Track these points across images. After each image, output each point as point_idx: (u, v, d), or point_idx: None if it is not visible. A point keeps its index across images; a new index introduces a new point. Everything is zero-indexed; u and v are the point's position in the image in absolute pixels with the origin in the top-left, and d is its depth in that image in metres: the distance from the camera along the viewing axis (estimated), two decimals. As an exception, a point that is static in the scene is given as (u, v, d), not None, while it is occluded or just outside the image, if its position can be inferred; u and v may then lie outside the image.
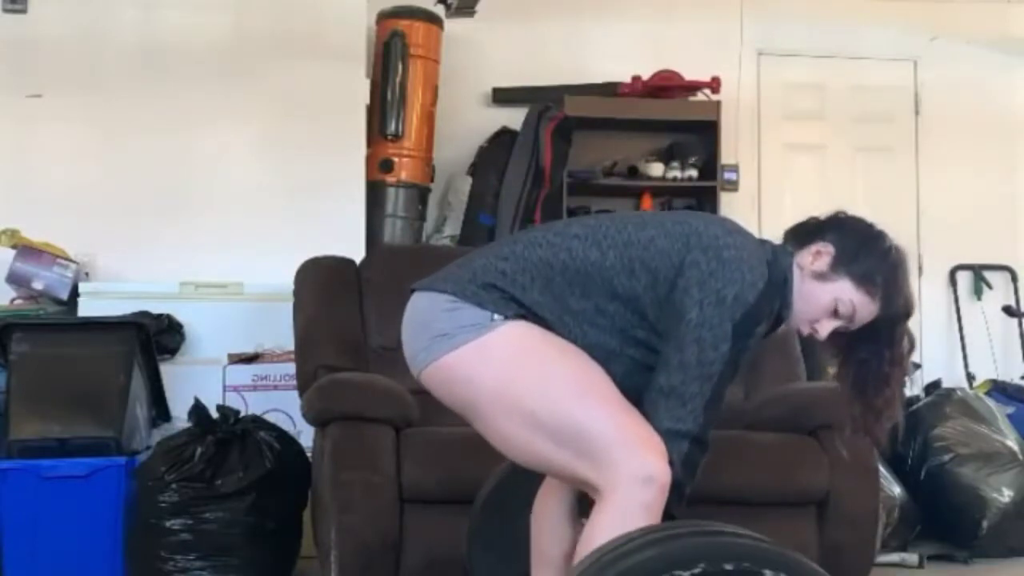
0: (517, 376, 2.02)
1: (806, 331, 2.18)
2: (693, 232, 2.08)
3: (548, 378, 2.02)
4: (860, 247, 2.17)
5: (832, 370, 4.14)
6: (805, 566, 1.47)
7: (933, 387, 4.43)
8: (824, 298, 2.15)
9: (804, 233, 2.21)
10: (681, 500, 2.01)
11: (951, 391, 4.36)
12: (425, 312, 2.10)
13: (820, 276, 2.15)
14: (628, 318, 2.07)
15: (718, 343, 2.01)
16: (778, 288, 2.12)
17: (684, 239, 2.07)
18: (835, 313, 2.15)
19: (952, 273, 5.74)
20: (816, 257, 2.16)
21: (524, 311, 2.04)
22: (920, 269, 5.69)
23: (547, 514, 2.29)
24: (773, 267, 2.11)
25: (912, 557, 3.86)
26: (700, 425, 2.02)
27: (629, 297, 2.06)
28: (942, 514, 3.98)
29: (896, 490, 3.91)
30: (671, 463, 1.97)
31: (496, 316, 2.03)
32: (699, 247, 2.05)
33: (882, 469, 3.72)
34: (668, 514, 1.97)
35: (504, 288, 2.05)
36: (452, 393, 2.09)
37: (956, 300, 5.70)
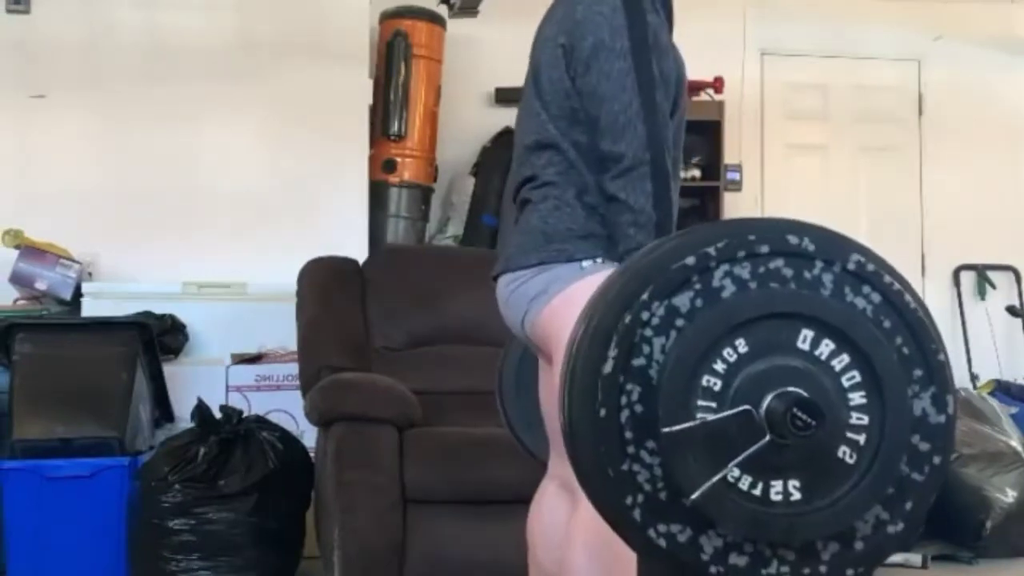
0: None
1: None
2: (551, 38, 2.07)
3: None
4: None
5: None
6: (826, 229, 1.48)
7: (936, 387, 4.42)
8: None
9: None
10: (669, 235, 1.98)
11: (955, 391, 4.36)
12: (516, 287, 2.09)
13: None
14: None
15: (622, 84, 1.97)
16: None
17: (555, 49, 2.06)
18: None
19: (956, 273, 5.73)
20: None
21: (603, 231, 2.01)
22: (924, 269, 5.69)
23: (542, 528, 2.26)
24: None
25: (916, 557, 3.86)
26: (649, 162, 1.96)
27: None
28: (946, 514, 3.97)
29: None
30: (639, 207, 1.95)
31: (586, 263, 2.02)
32: (564, 37, 2.04)
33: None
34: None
35: (577, 225, 2.03)
36: (547, 341, 2.05)
37: (960, 300, 5.69)
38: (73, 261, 4.17)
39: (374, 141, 4.78)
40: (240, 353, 4.11)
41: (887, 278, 1.48)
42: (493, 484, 2.94)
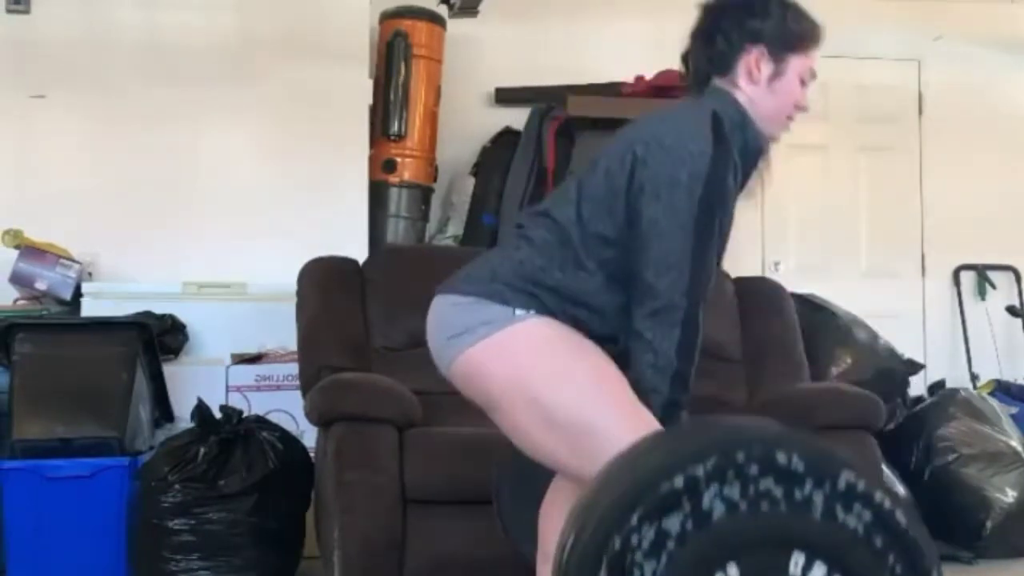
0: (533, 369, 2.02)
1: (793, 120, 2.21)
2: (631, 140, 2.08)
3: (562, 372, 2.02)
4: (770, 20, 2.16)
5: (836, 370, 4.17)
6: (816, 444, 1.49)
7: (937, 387, 4.42)
8: (789, 88, 2.17)
9: (714, 61, 2.18)
10: (686, 386, 2.01)
11: (955, 391, 4.36)
12: (447, 312, 2.12)
13: (773, 77, 2.15)
14: (624, 260, 2.07)
15: (683, 226, 2.00)
16: (739, 131, 2.11)
17: (627, 152, 2.07)
18: (803, 84, 2.18)
19: (956, 273, 5.73)
20: (755, 67, 2.15)
21: (547, 297, 2.05)
22: (924, 269, 5.69)
23: (554, 515, 2.28)
24: (722, 118, 2.08)
25: (916, 558, 3.85)
26: (684, 309, 1.99)
27: (617, 238, 2.06)
28: (946, 515, 3.97)
29: (900, 490, 3.90)
30: (662, 352, 1.97)
31: (519, 311, 2.04)
32: (641, 148, 2.05)
33: (886, 469, 3.72)
34: (676, 406, 1.98)
35: (525, 278, 2.06)
36: (474, 387, 2.10)
37: (960, 300, 5.69)
38: (73, 261, 4.17)
39: (374, 141, 4.78)
40: (240, 353, 4.11)
41: (878, 496, 1.47)
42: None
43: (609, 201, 2.07)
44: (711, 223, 2.03)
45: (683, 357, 2.00)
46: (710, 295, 2.09)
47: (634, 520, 1.39)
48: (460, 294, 2.10)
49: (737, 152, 2.12)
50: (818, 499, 1.43)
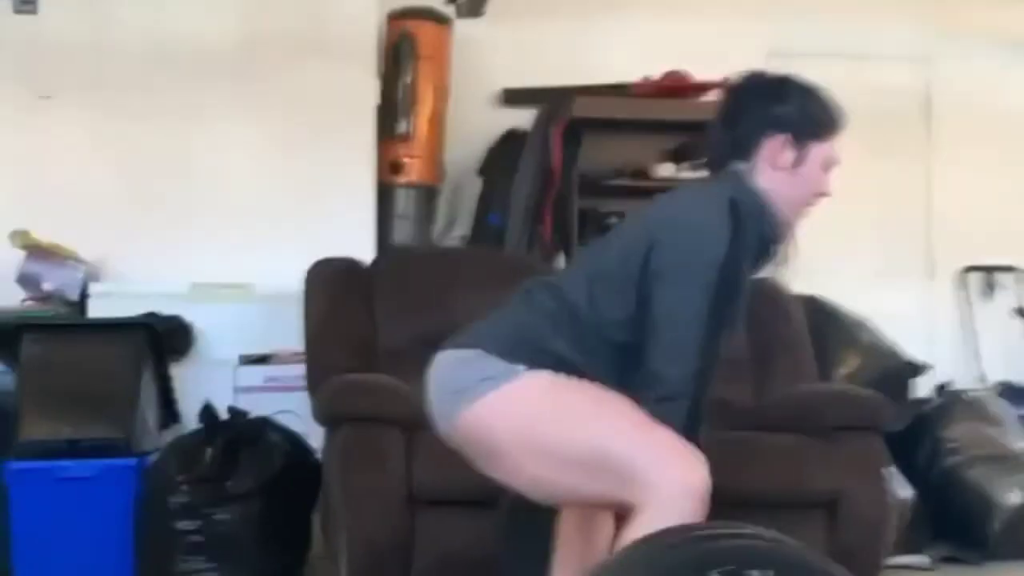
0: (538, 418, 2.02)
1: (814, 205, 2.22)
2: (647, 223, 2.09)
3: (567, 413, 2.02)
4: (794, 107, 2.17)
5: (842, 371, 4.16)
6: (796, 557, 1.47)
7: (944, 389, 4.42)
8: (812, 175, 2.18)
9: (736, 144, 2.17)
10: None
11: (961, 393, 4.35)
12: (448, 369, 2.12)
13: (796, 163, 2.15)
14: (633, 341, 2.07)
15: (696, 315, 2.00)
16: (756, 219, 2.11)
17: (643, 234, 2.07)
18: (824, 170, 2.19)
19: (963, 274, 5.72)
20: (777, 154, 2.15)
21: (550, 361, 2.05)
22: (931, 270, 5.68)
23: (573, 521, 2.28)
24: (739, 205, 2.08)
25: (923, 559, 3.86)
26: (690, 395, 2.00)
27: (626, 320, 2.07)
28: (953, 516, 3.97)
29: (907, 492, 3.90)
30: None
31: (520, 367, 2.04)
32: (657, 231, 2.05)
33: (893, 471, 3.71)
34: None
35: (528, 340, 2.06)
36: (478, 443, 2.09)
37: (967, 302, 5.68)
38: (80, 262, 4.17)
39: (381, 142, 4.78)
40: (247, 354, 4.11)
41: None
42: (500, 485, 2.94)
43: (620, 284, 2.07)
44: (723, 312, 2.03)
45: (687, 440, 2.00)
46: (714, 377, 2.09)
47: None
48: (463, 348, 2.11)
49: (755, 236, 2.12)
50: None
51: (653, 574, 1.47)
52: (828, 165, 2.20)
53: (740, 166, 2.16)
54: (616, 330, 2.07)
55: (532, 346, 2.06)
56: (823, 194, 2.21)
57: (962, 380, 5.04)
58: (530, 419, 2.02)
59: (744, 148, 2.16)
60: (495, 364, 2.04)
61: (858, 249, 5.61)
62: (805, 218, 2.25)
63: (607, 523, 2.20)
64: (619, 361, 2.08)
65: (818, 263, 5.50)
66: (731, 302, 2.05)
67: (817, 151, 2.17)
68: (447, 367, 2.12)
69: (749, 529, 1.58)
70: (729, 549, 1.51)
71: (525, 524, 2.41)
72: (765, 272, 2.24)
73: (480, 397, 2.03)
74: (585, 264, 2.14)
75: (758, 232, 2.12)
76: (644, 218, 2.12)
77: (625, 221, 2.17)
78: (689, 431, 2.00)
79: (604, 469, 1.96)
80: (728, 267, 2.01)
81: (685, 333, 2.00)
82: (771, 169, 2.15)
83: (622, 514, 1.98)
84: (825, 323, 4.21)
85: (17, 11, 4.43)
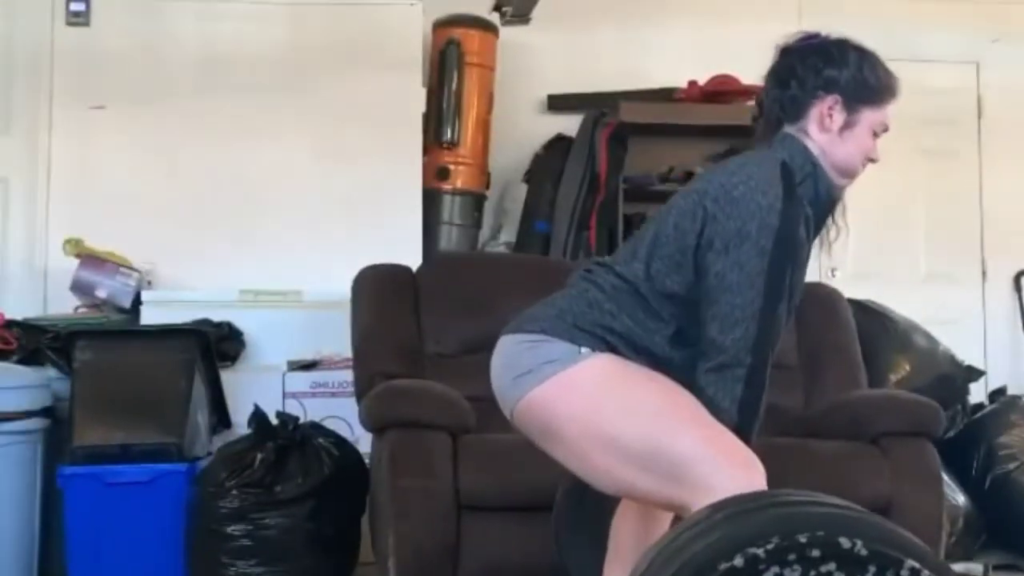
0: (601, 405, 2.01)
1: (863, 169, 2.19)
2: (701, 193, 2.06)
3: (631, 404, 2.00)
4: (848, 70, 2.15)
5: (894, 377, 4.11)
6: (881, 528, 1.46)
7: (998, 394, 4.35)
8: (861, 139, 2.15)
9: (786, 106, 2.15)
10: (746, 443, 1.98)
11: (1016, 398, 4.29)
12: (511, 353, 2.11)
13: (845, 128, 2.13)
14: (694, 315, 2.05)
15: (752, 281, 1.97)
16: (811, 181, 2.10)
17: (697, 206, 2.05)
18: (875, 136, 2.16)
19: (1017, 278, 5.63)
20: (827, 117, 2.13)
21: (615, 341, 2.04)
22: (984, 274, 5.60)
23: (628, 514, 2.27)
24: (791, 168, 2.07)
25: (977, 567, 3.80)
26: (748, 365, 1.97)
27: (686, 295, 2.05)
28: (1007, 523, 3.91)
29: (960, 499, 3.85)
30: (725, 409, 1.96)
31: (584, 349, 2.03)
32: (711, 202, 2.03)
33: (946, 478, 3.66)
34: None
35: (593, 320, 2.05)
36: (540, 426, 2.08)
37: (1021, 306, 5.59)
38: (132, 270, 4.22)
39: (427, 149, 4.80)
40: (296, 360, 4.14)
41: None
42: (547, 491, 2.92)
43: (678, 257, 2.05)
44: (781, 278, 2.01)
45: (745, 414, 1.98)
46: (778, 349, 2.06)
47: None
48: (525, 332, 2.09)
49: (808, 201, 2.10)
50: None
51: (739, 532, 1.45)
52: (879, 131, 2.17)
53: (790, 128, 2.15)
54: (674, 305, 2.06)
55: (594, 326, 2.04)
56: (871, 159, 2.19)
57: (1016, 385, 4.96)
58: (592, 406, 2.01)
59: (795, 110, 2.15)
60: (557, 347, 2.03)
61: (910, 253, 5.55)
62: (853, 183, 2.22)
63: (664, 525, 2.18)
64: (680, 337, 2.06)
65: (870, 267, 5.48)
66: (789, 268, 2.03)
67: (868, 116, 2.15)
68: (510, 351, 2.11)
69: (834, 499, 1.57)
70: (817, 515, 1.50)
71: (579, 510, 2.40)
72: (818, 243, 2.20)
73: (542, 381, 2.02)
74: (642, 240, 2.12)
75: (812, 196, 2.11)
76: (697, 191, 2.09)
77: (678, 194, 2.14)
78: (748, 409, 1.98)
79: (662, 466, 1.94)
80: (784, 233, 1.99)
81: (739, 299, 1.97)
82: (821, 131, 2.13)
83: (680, 516, 1.97)
84: (877, 328, 4.16)
85: (70, 23, 4.50)
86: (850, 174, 2.19)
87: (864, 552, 1.41)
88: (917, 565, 1.42)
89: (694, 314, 2.04)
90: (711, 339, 1.99)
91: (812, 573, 1.39)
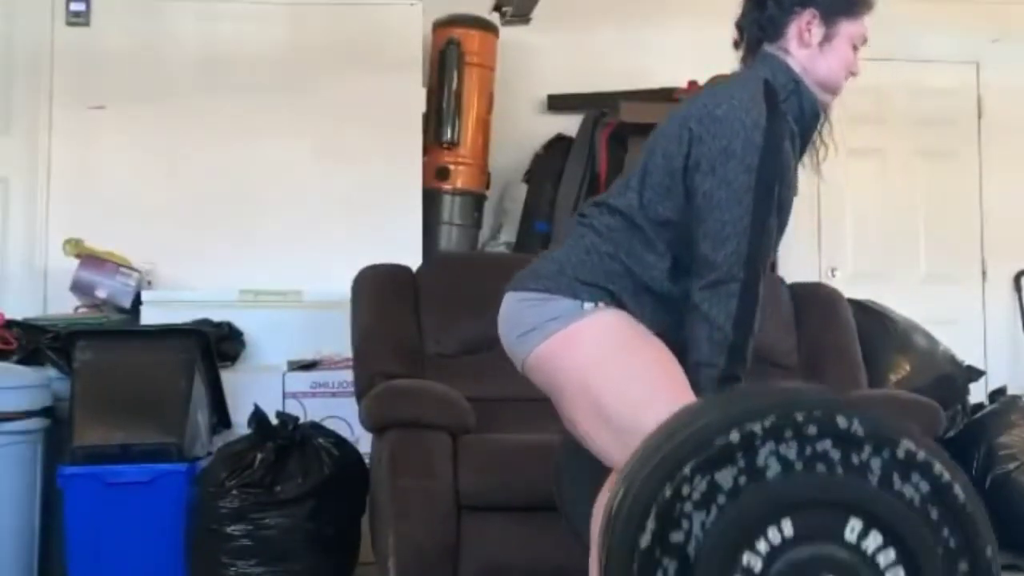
0: (597, 368, 2.03)
1: (845, 83, 2.20)
2: (685, 117, 2.08)
3: (624, 376, 2.02)
4: None
5: (894, 377, 4.11)
6: (878, 412, 1.47)
7: (998, 394, 4.35)
8: (841, 52, 2.16)
9: (765, 25, 2.17)
10: (742, 358, 1.99)
11: (1016, 398, 4.29)
12: (516, 310, 2.13)
13: (824, 41, 2.14)
14: (689, 242, 2.06)
15: (739, 197, 1.99)
16: (794, 97, 2.11)
17: (683, 128, 2.07)
18: (855, 49, 2.17)
19: (1017, 278, 5.63)
20: (806, 32, 2.14)
21: (615, 289, 2.06)
22: (984, 274, 5.60)
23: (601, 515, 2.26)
24: (774, 86, 2.08)
25: (977, 567, 3.79)
26: (742, 281, 1.99)
27: (679, 220, 2.07)
28: (1008, 523, 3.90)
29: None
30: (718, 324, 1.97)
31: (587, 304, 2.05)
32: (695, 123, 2.05)
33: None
34: (733, 379, 1.97)
35: (592, 268, 2.07)
36: (546, 380, 2.11)
37: (1021, 306, 5.60)
38: (132, 270, 4.22)
39: (427, 149, 4.80)
40: (296, 360, 4.14)
41: (937, 467, 1.46)
42: (547, 491, 2.93)
43: (668, 182, 2.08)
44: (769, 194, 2.02)
45: (739, 329, 1.99)
46: (767, 271, 2.08)
47: (686, 471, 1.38)
48: (528, 291, 2.12)
49: (793, 119, 2.12)
50: (876, 465, 1.41)
51: (736, 410, 1.46)
52: (858, 43, 2.18)
53: (770, 47, 2.17)
54: (668, 231, 2.07)
55: (595, 276, 2.07)
56: (853, 73, 2.20)
57: (1016, 385, 4.96)
58: (589, 365, 2.03)
59: (774, 28, 2.16)
60: (560, 303, 2.06)
61: (910, 253, 5.55)
62: (836, 97, 2.23)
63: None
64: (678, 269, 2.07)
65: (870, 267, 5.48)
66: (776, 184, 2.04)
67: (846, 28, 2.16)
68: (514, 308, 2.14)
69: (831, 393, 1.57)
70: (815, 397, 1.51)
71: (578, 459, 2.39)
72: (809, 163, 2.22)
73: (547, 338, 2.05)
74: (632, 175, 2.14)
75: (797, 112, 2.12)
76: (681, 115, 2.12)
77: (663, 122, 2.15)
78: (742, 324, 1.98)
79: (633, 444, 1.96)
80: (769, 150, 2.01)
81: (728, 215, 1.99)
82: (800, 47, 2.15)
83: None
84: (877, 328, 4.16)
85: (70, 23, 4.50)
86: (833, 89, 2.20)
87: (860, 432, 1.41)
88: (912, 446, 1.43)
89: (689, 241, 2.05)
90: (703, 256, 2.00)
91: (808, 450, 1.40)
